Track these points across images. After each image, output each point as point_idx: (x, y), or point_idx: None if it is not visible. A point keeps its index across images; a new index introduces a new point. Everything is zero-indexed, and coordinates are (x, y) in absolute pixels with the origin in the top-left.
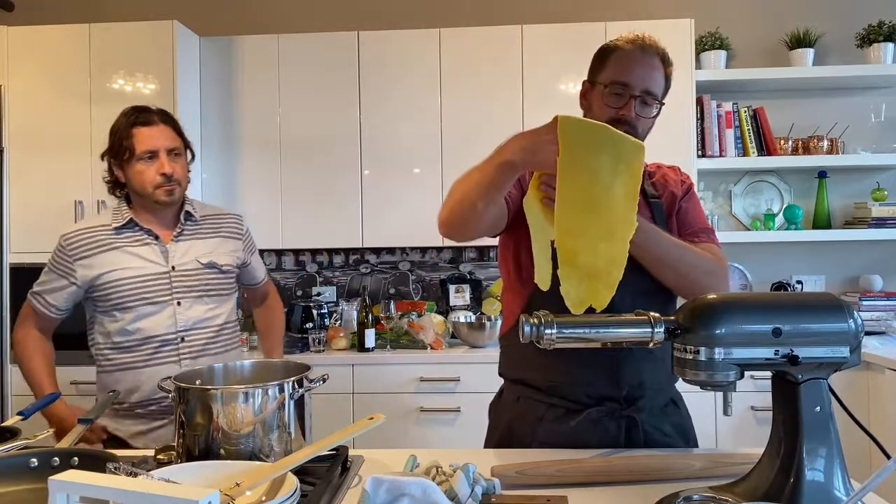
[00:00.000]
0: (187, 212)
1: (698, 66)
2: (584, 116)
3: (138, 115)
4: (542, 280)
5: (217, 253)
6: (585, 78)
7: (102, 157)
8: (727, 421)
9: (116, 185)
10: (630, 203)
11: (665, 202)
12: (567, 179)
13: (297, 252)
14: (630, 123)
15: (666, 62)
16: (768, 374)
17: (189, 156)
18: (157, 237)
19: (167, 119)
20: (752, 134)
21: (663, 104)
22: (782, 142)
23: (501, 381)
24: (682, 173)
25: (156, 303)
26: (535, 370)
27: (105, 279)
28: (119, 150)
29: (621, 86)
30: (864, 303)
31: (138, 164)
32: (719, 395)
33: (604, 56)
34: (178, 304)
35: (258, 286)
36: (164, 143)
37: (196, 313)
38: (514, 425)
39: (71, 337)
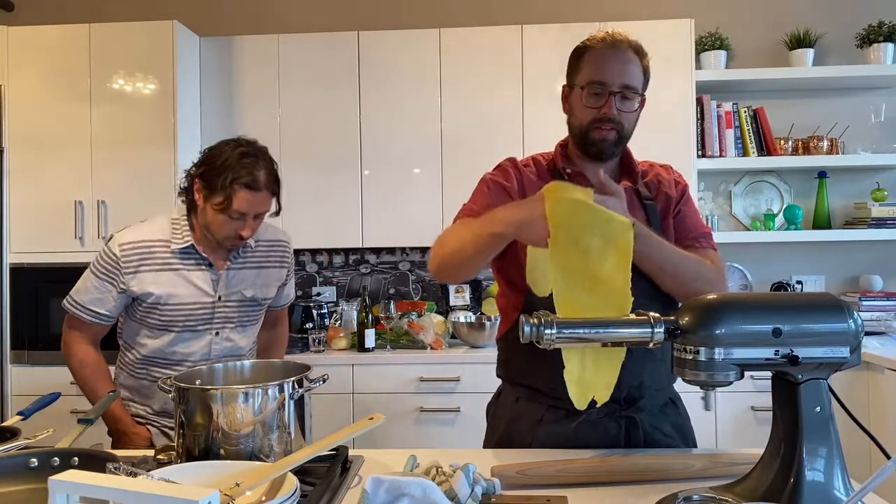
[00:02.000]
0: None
1: (698, 66)
2: (568, 121)
3: (250, 174)
4: (542, 290)
5: (261, 285)
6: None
7: (187, 174)
8: (727, 421)
9: (189, 202)
10: (624, 279)
11: (660, 204)
12: (559, 255)
13: (296, 252)
14: (613, 120)
15: (640, 54)
16: (768, 374)
17: (273, 208)
18: (211, 265)
19: (272, 185)
20: (752, 134)
21: (644, 97)
22: (782, 142)
23: (500, 381)
24: (673, 172)
25: (196, 331)
26: (535, 372)
27: (156, 300)
28: (215, 188)
29: (599, 85)
30: (864, 303)
31: (222, 215)
32: (719, 394)
33: (577, 58)
34: (217, 333)
35: (278, 309)
36: (257, 209)
37: (230, 343)
38: (514, 426)
39: None
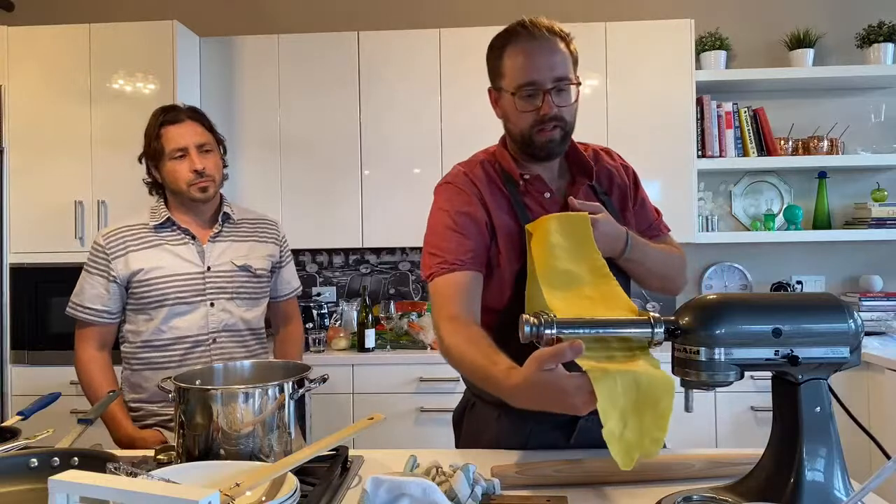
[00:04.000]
0: (225, 213)
1: (698, 66)
2: (505, 126)
3: (166, 115)
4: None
5: (252, 256)
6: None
7: (140, 159)
8: (727, 421)
9: (155, 186)
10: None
11: (614, 197)
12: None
13: (297, 252)
14: (555, 118)
15: (563, 37)
16: (768, 374)
17: (222, 151)
18: (194, 237)
19: (195, 115)
20: (752, 134)
21: (580, 83)
22: (782, 142)
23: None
24: (616, 156)
25: (189, 302)
26: None
27: (143, 276)
28: (151, 151)
29: (529, 86)
30: (864, 303)
31: (170, 163)
32: (719, 394)
33: (497, 57)
34: (212, 304)
35: (284, 299)
36: (192, 139)
37: (227, 315)
38: (502, 444)
39: (72, 336)
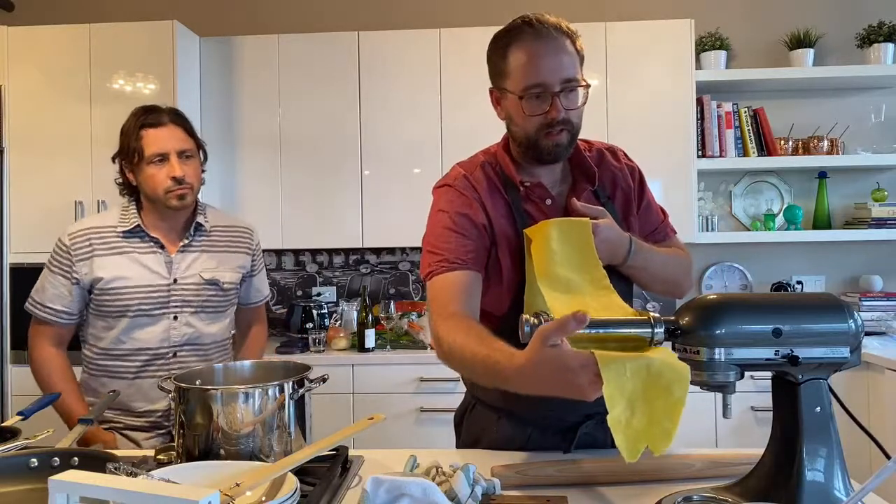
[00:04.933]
0: (198, 223)
1: (698, 66)
2: (509, 128)
3: (147, 116)
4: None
5: (221, 269)
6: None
7: (113, 159)
8: (727, 421)
9: (128, 188)
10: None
11: (619, 203)
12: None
13: (297, 252)
14: (564, 121)
15: (570, 35)
16: (768, 374)
17: (202, 157)
18: (163, 246)
19: (178, 119)
20: (752, 134)
21: (588, 85)
22: (782, 142)
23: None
24: (622, 156)
25: (151, 315)
26: (517, 400)
27: (105, 284)
28: (128, 152)
29: (536, 88)
30: (865, 303)
31: (148, 168)
32: (720, 395)
33: (502, 56)
34: (175, 318)
35: (250, 307)
36: (174, 145)
37: (191, 329)
38: (501, 448)
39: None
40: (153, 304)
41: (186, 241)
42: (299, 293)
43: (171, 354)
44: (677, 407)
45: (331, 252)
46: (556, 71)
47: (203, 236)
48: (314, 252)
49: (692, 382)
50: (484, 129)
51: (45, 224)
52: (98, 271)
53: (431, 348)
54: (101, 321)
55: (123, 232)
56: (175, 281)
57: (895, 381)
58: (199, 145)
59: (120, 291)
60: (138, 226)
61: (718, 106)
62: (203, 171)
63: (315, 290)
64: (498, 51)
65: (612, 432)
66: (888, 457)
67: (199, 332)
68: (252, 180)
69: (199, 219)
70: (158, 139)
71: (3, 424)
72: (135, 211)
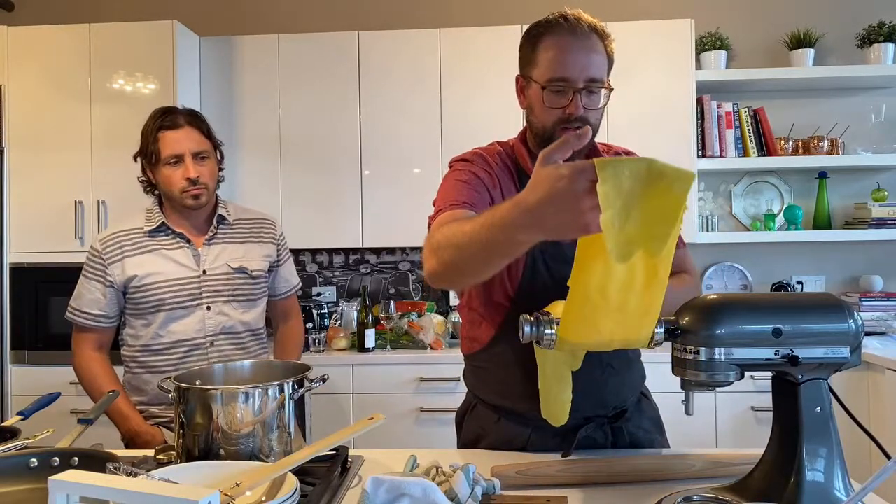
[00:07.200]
0: (220, 215)
1: (698, 66)
2: (528, 117)
3: (164, 118)
4: (553, 415)
5: (248, 258)
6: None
7: (135, 158)
8: (727, 421)
9: (150, 185)
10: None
11: None
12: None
13: (297, 252)
14: (581, 119)
15: (603, 36)
16: (768, 374)
17: (219, 156)
18: (189, 241)
19: (194, 121)
20: (752, 134)
21: (612, 88)
22: (782, 142)
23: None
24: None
25: (185, 307)
26: (518, 398)
27: (139, 282)
28: (147, 153)
29: (560, 82)
30: (865, 303)
31: (165, 169)
32: (719, 394)
33: (533, 46)
34: (208, 308)
35: (283, 297)
36: (189, 146)
37: (225, 318)
38: (501, 449)
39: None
40: (186, 297)
41: (211, 234)
42: (299, 293)
43: (208, 344)
44: (677, 206)
45: (331, 252)
46: (582, 69)
47: (227, 228)
48: (314, 252)
49: (692, 383)
50: (484, 129)
51: (45, 224)
52: (130, 270)
53: (432, 348)
54: (138, 319)
55: (150, 231)
56: (204, 272)
57: (895, 381)
58: (216, 146)
59: (153, 287)
60: (163, 223)
61: (718, 106)
62: (221, 169)
63: (315, 290)
64: (530, 40)
65: (604, 234)
66: (888, 457)
67: (233, 321)
68: (252, 180)
69: (221, 212)
70: (174, 141)
71: (3, 424)
72: (159, 210)
